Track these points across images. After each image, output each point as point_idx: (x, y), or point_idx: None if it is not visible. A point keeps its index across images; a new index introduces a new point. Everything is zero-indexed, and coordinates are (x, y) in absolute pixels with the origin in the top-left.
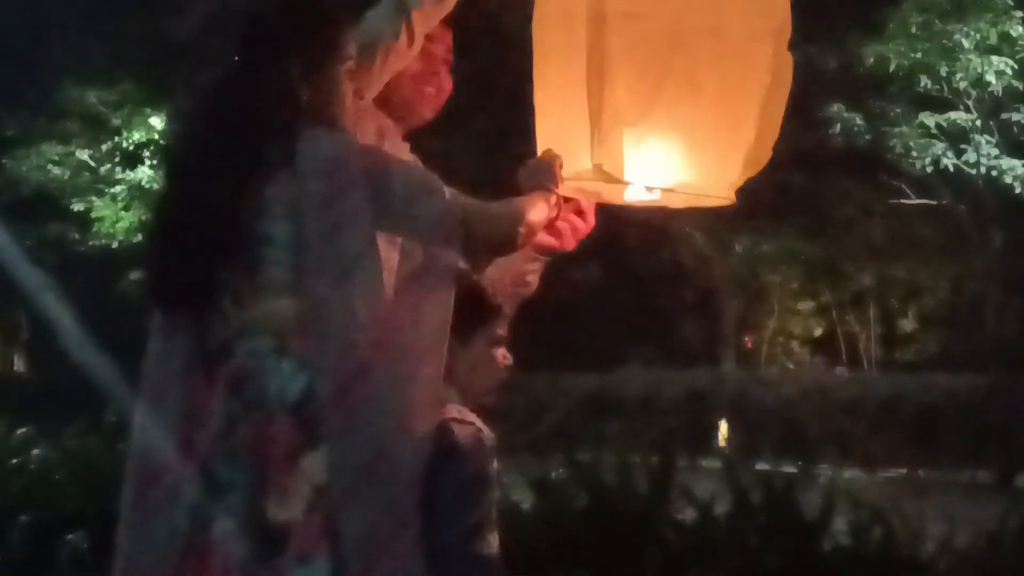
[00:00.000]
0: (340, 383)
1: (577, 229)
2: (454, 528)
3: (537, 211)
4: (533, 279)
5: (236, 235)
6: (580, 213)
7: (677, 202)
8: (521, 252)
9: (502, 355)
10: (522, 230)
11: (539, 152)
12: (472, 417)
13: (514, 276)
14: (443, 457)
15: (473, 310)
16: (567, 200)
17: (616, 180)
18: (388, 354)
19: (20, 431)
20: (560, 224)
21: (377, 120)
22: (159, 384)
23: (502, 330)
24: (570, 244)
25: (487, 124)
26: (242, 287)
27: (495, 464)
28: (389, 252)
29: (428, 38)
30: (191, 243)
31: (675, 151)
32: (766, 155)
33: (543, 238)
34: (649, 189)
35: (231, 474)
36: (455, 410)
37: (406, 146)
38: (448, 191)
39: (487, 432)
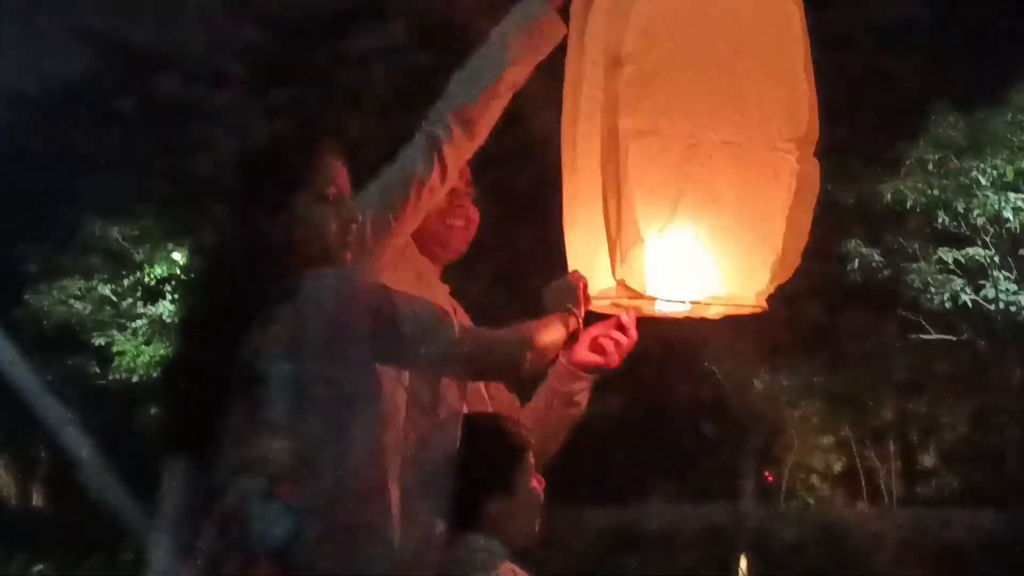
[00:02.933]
0: (329, 527)
1: (620, 345)
2: None
3: (550, 333)
4: (582, 399)
5: (236, 375)
6: (622, 329)
7: (709, 312)
8: (567, 372)
9: (536, 489)
10: (529, 355)
11: (569, 270)
12: (508, 568)
13: (562, 398)
14: None
15: (502, 454)
16: (608, 317)
17: (639, 295)
18: (382, 497)
19: (37, 568)
20: (603, 340)
21: (415, 263)
22: (166, 521)
23: (531, 462)
24: (615, 361)
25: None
26: (241, 427)
27: None
28: (395, 391)
29: None
30: (193, 384)
31: (700, 262)
32: (795, 261)
33: (588, 356)
34: (680, 301)
35: None
36: (509, 570)
37: (446, 288)
38: (456, 324)
39: None
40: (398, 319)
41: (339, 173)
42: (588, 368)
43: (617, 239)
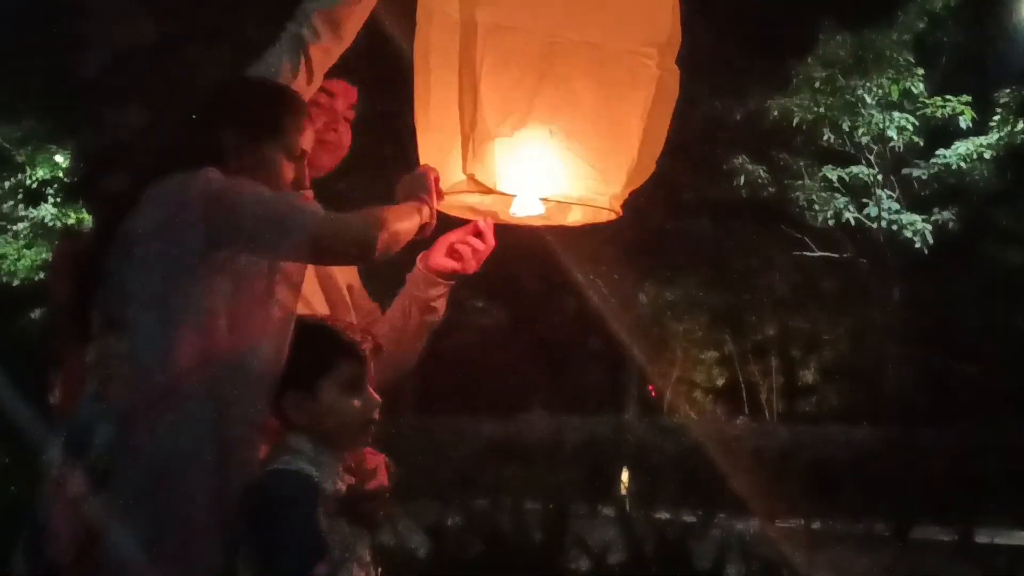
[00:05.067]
0: (147, 429)
1: (477, 251)
2: None
3: (402, 218)
4: (439, 304)
5: (96, 272)
6: (479, 235)
7: (567, 219)
8: (424, 278)
9: (360, 402)
10: (381, 235)
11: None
12: (303, 464)
13: (420, 304)
14: (259, 510)
15: (321, 352)
16: (465, 222)
17: (489, 190)
18: (206, 396)
19: None
20: (460, 247)
21: None
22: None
23: (357, 372)
24: (472, 266)
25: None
26: (98, 325)
27: (337, 513)
28: (227, 288)
29: (331, 93)
30: (79, 279)
31: (553, 162)
32: (650, 167)
33: (445, 262)
34: (533, 203)
35: (38, 512)
36: (287, 458)
37: (309, 192)
38: (307, 209)
39: (317, 480)
40: (239, 204)
41: (309, 137)
42: (445, 274)
43: (470, 134)
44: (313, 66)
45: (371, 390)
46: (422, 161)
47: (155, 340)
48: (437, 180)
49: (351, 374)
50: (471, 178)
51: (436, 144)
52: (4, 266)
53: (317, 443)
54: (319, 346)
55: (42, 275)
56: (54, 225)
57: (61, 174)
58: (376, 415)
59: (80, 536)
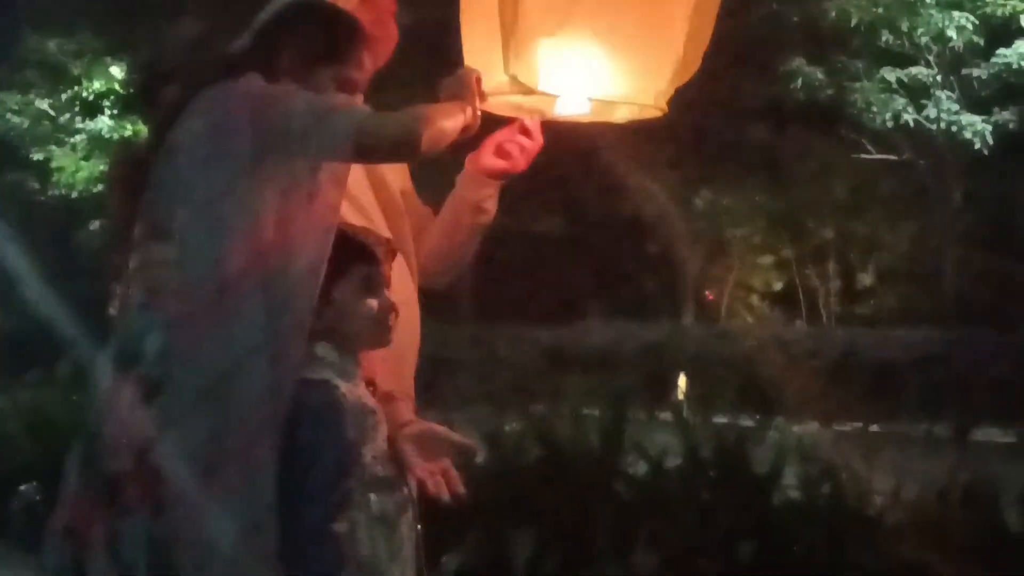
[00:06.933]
0: (186, 327)
1: (525, 149)
2: (306, 494)
3: (447, 116)
4: (490, 205)
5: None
6: (525, 132)
7: (614, 116)
8: (473, 179)
9: (376, 302)
10: (425, 131)
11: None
12: (329, 375)
13: (470, 205)
14: (293, 421)
15: (332, 258)
16: (512, 120)
17: (533, 91)
18: (245, 295)
19: None
20: (507, 145)
21: None
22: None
23: (370, 274)
24: (520, 165)
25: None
26: (142, 233)
27: (367, 428)
28: (269, 186)
29: None
30: (136, 190)
31: (597, 60)
32: (696, 63)
33: (493, 162)
34: (577, 102)
35: (92, 423)
36: (319, 368)
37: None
38: (354, 109)
39: (349, 394)
40: (283, 107)
41: (366, 70)
42: (494, 173)
43: (512, 34)
44: None
45: (387, 292)
46: (466, 60)
47: (204, 246)
48: (479, 81)
49: (364, 277)
50: (513, 78)
51: (480, 44)
52: (62, 179)
53: (342, 351)
54: (337, 248)
55: (100, 187)
56: (111, 137)
57: (117, 86)
58: (393, 317)
59: (137, 446)
